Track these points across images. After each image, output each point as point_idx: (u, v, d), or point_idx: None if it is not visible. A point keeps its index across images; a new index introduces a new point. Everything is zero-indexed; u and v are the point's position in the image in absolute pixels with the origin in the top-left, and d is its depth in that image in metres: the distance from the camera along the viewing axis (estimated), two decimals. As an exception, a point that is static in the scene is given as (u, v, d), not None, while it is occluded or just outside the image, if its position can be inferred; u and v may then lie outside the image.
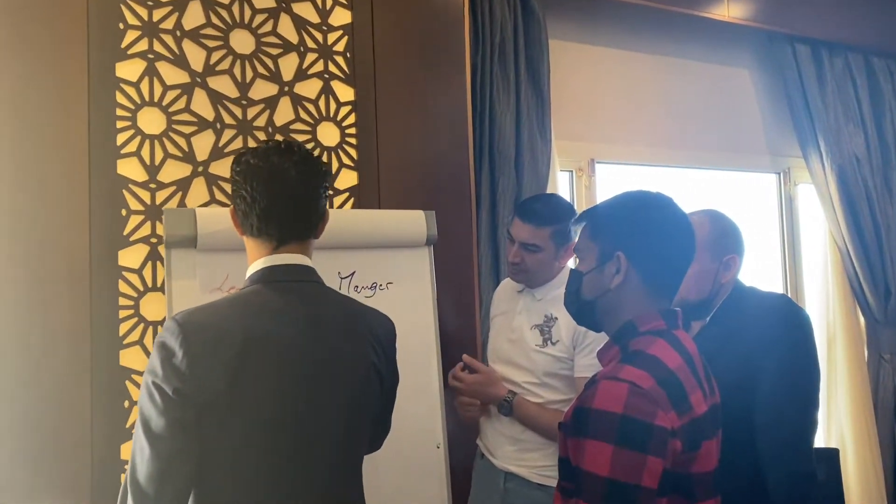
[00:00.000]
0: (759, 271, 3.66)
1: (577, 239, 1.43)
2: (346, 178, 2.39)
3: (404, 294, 2.02)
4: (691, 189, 3.52)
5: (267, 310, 1.30)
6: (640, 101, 3.33)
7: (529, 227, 2.00)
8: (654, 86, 3.37)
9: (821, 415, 2.24)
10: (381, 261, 2.00)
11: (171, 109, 2.15)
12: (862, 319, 3.60)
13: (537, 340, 2.03)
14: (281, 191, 1.33)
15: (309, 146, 2.34)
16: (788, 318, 1.72)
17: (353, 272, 1.96)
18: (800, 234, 3.72)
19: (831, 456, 2.55)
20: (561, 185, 2.98)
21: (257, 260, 1.38)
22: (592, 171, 3.16)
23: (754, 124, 3.65)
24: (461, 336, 2.49)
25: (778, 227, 3.73)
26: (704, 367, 1.36)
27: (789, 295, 3.59)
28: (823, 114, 3.49)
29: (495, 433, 2.09)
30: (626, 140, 3.28)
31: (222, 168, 2.20)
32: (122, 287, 2.05)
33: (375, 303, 1.96)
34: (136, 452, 1.22)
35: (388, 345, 1.48)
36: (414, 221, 2.06)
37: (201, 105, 2.20)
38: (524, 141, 2.71)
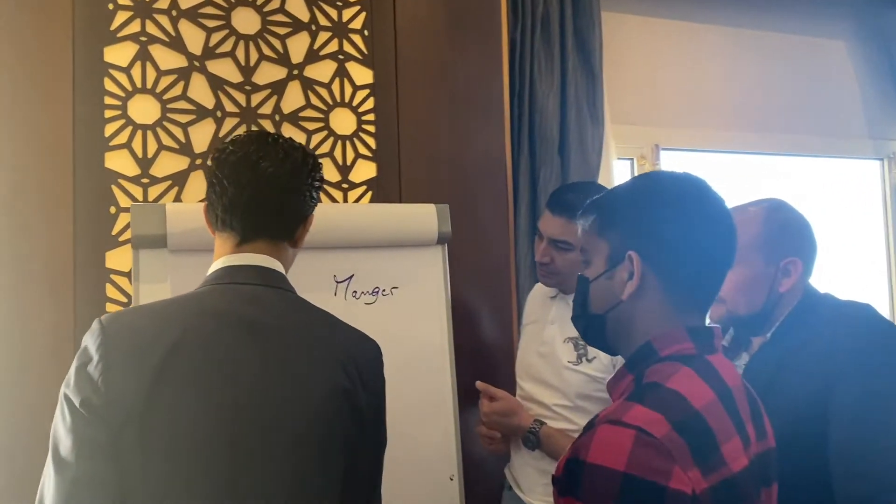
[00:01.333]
0: (858, 274, 3.17)
1: (583, 236, 1.11)
2: (364, 170, 2.14)
3: (412, 301, 1.74)
4: (777, 179, 3.08)
5: (207, 314, 1.09)
6: (712, 79, 2.93)
7: (560, 221, 1.69)
8: (727, 62, 2.95)
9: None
10: (384, 262, 1.73)
11: (165, 97, 1.96)
12: None
13: (570, 356, 1.70)
14: (250, 180, 1.15)
15: (321, 135, 2.10)
16: (873, 331, 1.32)
17: (352, 276, 1.69)
18: (908, 230, 3.21)
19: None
20: (620, 175, 2.64)
21: (218, 259, 1.18)
22: (657, 159, 2.79)
23: (852, 104, 3.17)
24: (495, 350, 2.19)
25: (882, 222, 3.23)
26: (752, 404, 1.03)
27: (894, 296, 3.09)
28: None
29: (523, 464, 1.78)
30: (695, 123, 2.89)
31: (222, 160, 1.99)
32: (111, 291, 1.86)
33: (378, 310, 1.70)
34: (44, 479, 1.01)
35: (368, 372, 1.19)
36: (424, 216, 1.78)
37: (200, 92, 2.00)
38: (571, 125, 2.37)
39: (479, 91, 2.27)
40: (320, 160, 1.27)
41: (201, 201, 1.95)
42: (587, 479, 0.85)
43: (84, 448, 0.99)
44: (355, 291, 1.70)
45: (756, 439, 1.00)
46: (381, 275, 1.73)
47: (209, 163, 1.20)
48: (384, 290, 1.73)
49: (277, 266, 1.19)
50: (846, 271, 3.11)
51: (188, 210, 1.57)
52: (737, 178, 2.99)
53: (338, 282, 1.69)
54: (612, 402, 1.02)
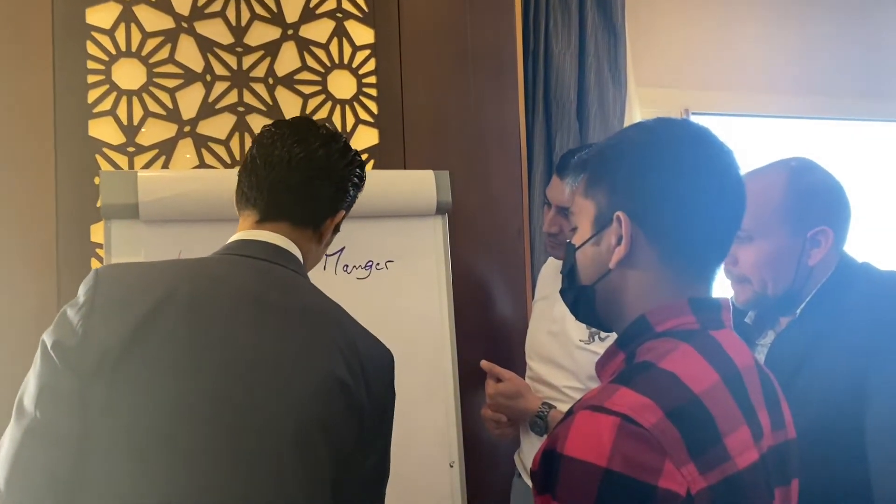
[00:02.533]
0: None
1: (570, 197, 0.96)
2: (365, 137, 2.00)
3: (408, 275, 1.61)
4: (817, 146, 2.85)
5: (205, 277, 1.02)
6: (747, 37, 2.70)
7: (568, 186, 1.53)
8: (764, 19, 2.72)
9: None
10: (378, 233, 1.60)
11: (151, 60, 1.85)
12: None
13: (582, 335, 1.56)
14: (281, 158, 1.12)
15: (318, 99, 1.97)
16: None
17: (342, 248, 1.56)
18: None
19: None
20: (646, 142, 2.45)
21: (236, 234, 1.13)
22: (686, 125, 2.59)
23: (902, 62, 2.92)
24: (507, 328, 2.05)
25: (936, 191, 2.98)
26: (766, 388, 0.87)
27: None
28: None
29: (532, 450, 1.64)
30: (730, 85, 2.67)
31: (212, 127, 1.87)
32: (96, 267, 1.77)
33: (371, 285, 1.57)
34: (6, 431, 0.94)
35: (374, 377, 1.07)
36: (421, 183, 1.64)
37: (188, 54, 1.87)
38: (589, 86, 2.20)
39: (489, 50, 2.11)
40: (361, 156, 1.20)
41: (196, 168, 1.85)
42: (564, 474, 0.71)
43: (45, 395, 0.91)
44: (346, 265, 1.57)
45: (771, 429, 0.84)
46: (374, 247, 1.60)
47: (254, 139, 1.17)
48: (378, 264, 1.59)
49: (294, 249, 1.13)
50: (890, 242, 2.89)
51: (163, 178, 1.46)
52: (774, 146, 2.77)
53: (327, 255, 1.56)
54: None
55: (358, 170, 1.19)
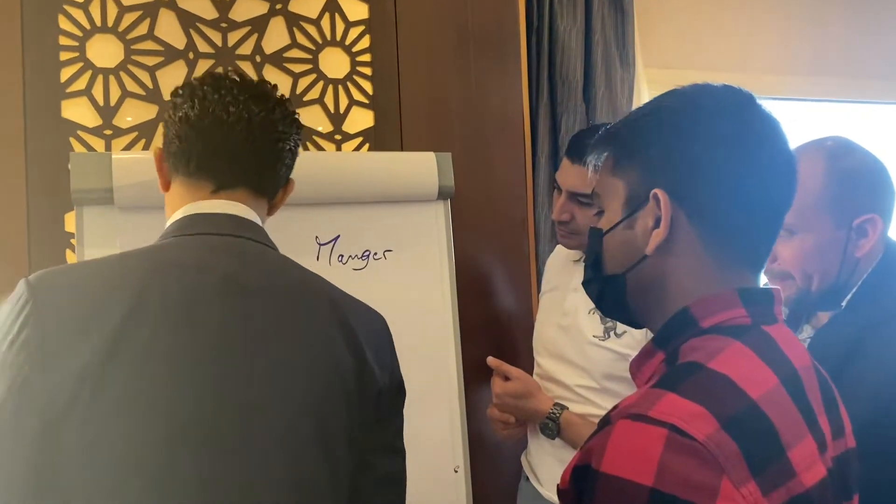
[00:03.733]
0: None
1: (594, 175, 0.85)
2: (359, 119, 1.88)
3: (409, 265, 1.50)
4: (839, 128, 2.74)
5: (173, 269, 0.87)
6: (758, 16, 2.59)
7: (580, 170, 1.42)
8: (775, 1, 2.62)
9: None
10: (375, 220, 1.49)
11: (129, 37, 1.71)
12: None
13: (596, 330, 1.45)
14: (248, 115, 0.98)
15: (310, 79, 1.84)
16: None
17: (337, 236, 1.45)
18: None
19: None
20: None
21: (178, 210, 0.98)
22: (696, 108, 2.48)
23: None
24: (512, 322, 1.94)
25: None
26: (825, 391, 0.77)
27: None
28: None
29: (541, 453, 1.54)
30: (740, 66, 2.56)
31: (196, 108, 1.75)
32: (71, 258, 1.64)
33: (369, 277, 1.45)
34: None
35: (379, 346, 0.98)
36: (421, 166, 1.53)
37: (169, 30, 1.75)
38: (596, 66, 2.08)
39: (491, 27, 1.99)
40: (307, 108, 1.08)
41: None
42: (602, 495, 0.60)
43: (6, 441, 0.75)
44: (342, 255, 1.45)
45: (832, 438, 0.74)
46: (371, 235, 1.48)
47: (175, 98, 1.02)
48: (376, 254, 1.48)
49: (257, 220, 0.99)
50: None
51: (139, 160, 1.34)
52: (790, 129, 2.66)
53: (321, 244, 1.44)
54: (637, 389, 0.76)
55: (299, 128, 1.08)
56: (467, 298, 1.76)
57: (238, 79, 1.03)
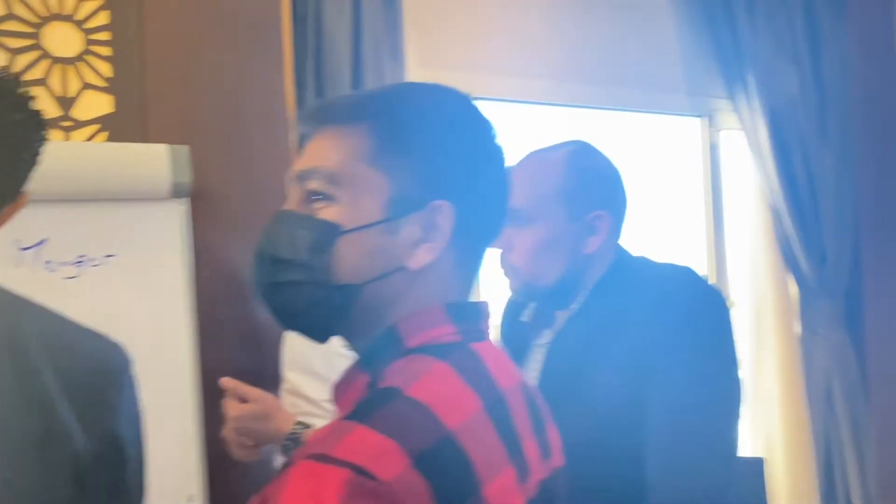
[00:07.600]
0: (678, 235, 3.13)
1: (309, 148, 0.74)
2: (95, 104, 1.68)
3: (134, 272, 1.35)
4: (602, 135, 2.91)
5: None
6: (533, 23, 2.68)
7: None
8: (547, 4, 2.72)
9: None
10: (92, 221, 1.33)
11: None
12: (793, 290, 3.12)
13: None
14: None
15: (31, 56, 1.62)
16: (693, 298, 1.16)
17: (44, 240, 1.27)
18: (724, 189, 3.18)
19: (754, 467, 2.08)
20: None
21: None
22: (472, 109, 2.52)
23: (673, 57, 3.06)
24: (267, 331, 1.82)
25: (702, 182, 3.18)
26: (533, 410, 0.75)
27: (711, 263, 3.07)
28: (753, 46, 2.95)
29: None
30: (516, 72, 2.64)
31: None
32: None
33: (84, 286, 1.30)
34: None
35: (93, 397, 0.83)
36: (149, 160, 1.38)
37: None
38: (366, 60, 2.03)
39: (252, 12, 1.86)
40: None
41: None
42: None
43: None
44: (49, 261, 1.27)
45: (541, 459, 0.72)
46: (87, 238, 1.32)
47: None
48: (93, 260, 1.31)
49: None
50: (665, 233, 3.05)
51: None
52: (557, 134, 2.78)
53: (22, 249, 1.25)
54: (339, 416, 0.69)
55: (42, 127, 0.90)
56: (214, 306, 1.63)
57: None
